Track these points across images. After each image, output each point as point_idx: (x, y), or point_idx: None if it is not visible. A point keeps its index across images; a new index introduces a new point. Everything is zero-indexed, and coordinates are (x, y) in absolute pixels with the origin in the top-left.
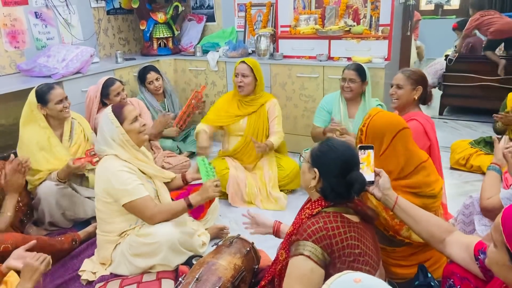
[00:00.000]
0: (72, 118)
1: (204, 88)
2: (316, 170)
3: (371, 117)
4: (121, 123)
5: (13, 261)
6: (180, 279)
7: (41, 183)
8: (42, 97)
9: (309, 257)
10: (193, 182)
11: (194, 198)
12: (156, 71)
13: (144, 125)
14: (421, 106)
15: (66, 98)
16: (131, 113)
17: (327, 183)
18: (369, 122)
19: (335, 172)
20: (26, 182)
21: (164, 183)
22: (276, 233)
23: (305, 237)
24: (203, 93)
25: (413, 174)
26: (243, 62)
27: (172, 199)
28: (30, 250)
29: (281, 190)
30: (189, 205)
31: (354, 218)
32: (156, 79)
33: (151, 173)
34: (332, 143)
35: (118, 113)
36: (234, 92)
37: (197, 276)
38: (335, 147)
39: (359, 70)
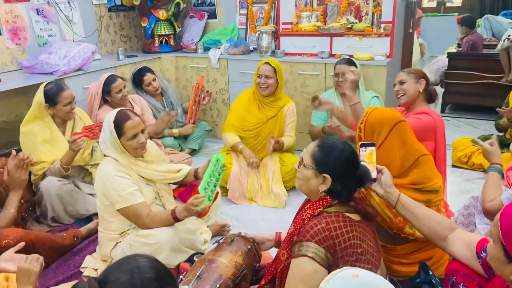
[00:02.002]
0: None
1: (203, 78)
2: (326, 175)
3: (367, 114)
4: (119, 137)
5: (3, 263)
6: (181, 276)
7: (44, 173)
8: (51, 98)
9: (312, 258)
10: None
11: (180, 213)
12: (151, 71)
13: (142, 142)
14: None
15: (73, 99)
16: (130, 130)
17: (339, 184)
18: (366, 118)
19: (346, 172)
20: (29, 179)
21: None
22: (279, 244)
23: (308, 238)
24: (204, 83)
25: (413, 167)
26: (267, 63)
27: (175, 197)
28: (26, 250)
29: (284, 186)
30: (175, 219)
31: (355, 217)
32: (153, 80)
33: (153, 178)
34: (329, 143)
35: (119, 126)
36: (253, 91)
37: (198, 274)
38: (334, 146)
39: (350, 62)
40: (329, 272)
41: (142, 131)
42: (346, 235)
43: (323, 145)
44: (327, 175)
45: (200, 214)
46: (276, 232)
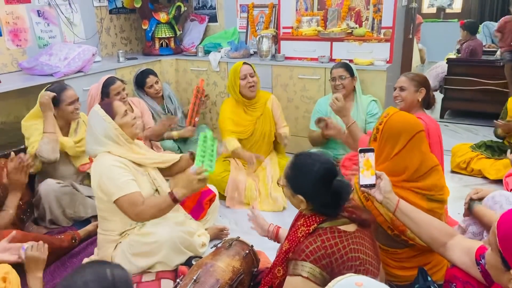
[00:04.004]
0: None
1: (203, 81)
2: (300, 196)
3: (389, 116)
4: (113, 118)
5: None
6: (178, 280)
7: (42, 165)
8: (54, 98)
9: (308, 278)
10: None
11: (179, 192)
12: (154, 74)
13: (134, 118)
14: (426, 111)
15: (77, 99)
16: (120, 107)
17: (316, 203)
18: (386, 120)
19: (320, 192)
20: (28, 181)
21: (171, 166)
22: (276, 238)
23: (303, 257)
24: (204, 86)
25: (427, 176)
26: (245, 63)
27: None
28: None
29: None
30: (174, 200)
31: (351, 228)
32: (156, 82)
33: (146, 163)
34: (300, 163)
35: (108, 109)
36: (235, 100)
37: (194, 278)
38: (304, 166)
39: (346, 66)
40: None
41: (127, 111)
42: (343, 250)
43: (294, 166)
44: (299, 196)
45: (198, 217)
46: (274, 227)
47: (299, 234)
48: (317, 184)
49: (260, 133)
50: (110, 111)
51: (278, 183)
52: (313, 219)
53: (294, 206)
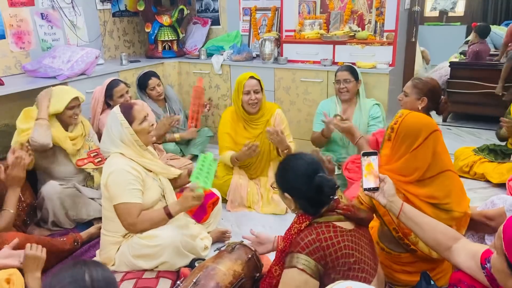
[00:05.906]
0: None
1: (201, 80)
2: (287, 194)
3: (404, 115)
4: (131, 123)
5: (3, 260)
6: (178, 282)
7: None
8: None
9: (303, 270)
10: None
11: (173, 208)
12: (157, 76)
13: (152, 125)
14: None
15: (78, 105)
16: (140, 113)
17: (302, 200)
18: (401, 120)
19: (303, 188)
20: (29, 183)
21: (171, 180)
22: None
23: (298, 249)
24: (205, 88)
25: (435, 179)
26: (252, 77)
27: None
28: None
29: None
30: (169, 215)
31: (348, 225)
32: (158, 85)
33: (156, 170)
34: (287, 163)
35: (128, 113)
36: (235, 111)
37: (194, 280)
38: (288, 165)
39: (351, 70)
40: (320, 283)
41: (148, 115)
42: (337, 245)
43: (281, 166)
44: (286, 194)
45: (201, 220)
46: (276, 236)
47: (292, 232)
48: (300, 179)
49: (262, 149)
50: (129, 116)
51: (271, 186)
52: (306, 217)
53: (288, 207)
